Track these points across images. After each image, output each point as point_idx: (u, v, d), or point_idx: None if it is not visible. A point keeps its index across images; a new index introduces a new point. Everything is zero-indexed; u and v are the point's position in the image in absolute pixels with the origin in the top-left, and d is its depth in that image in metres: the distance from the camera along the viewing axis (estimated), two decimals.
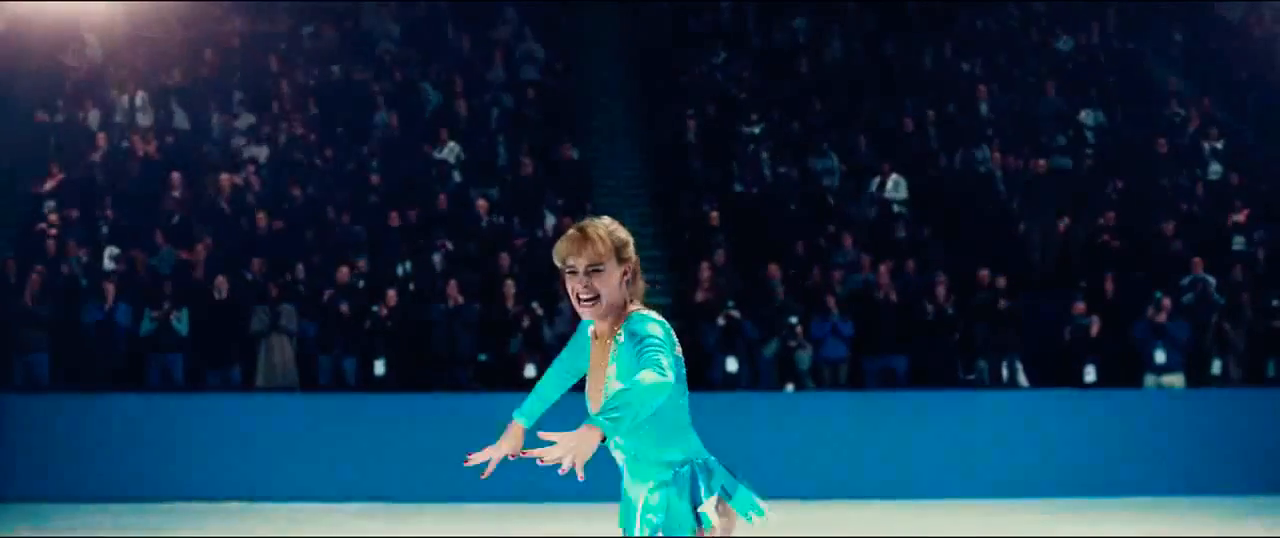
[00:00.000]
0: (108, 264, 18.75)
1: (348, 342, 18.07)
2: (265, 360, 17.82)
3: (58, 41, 22.66)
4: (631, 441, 5.05)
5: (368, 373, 17.94)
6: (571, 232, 5.10)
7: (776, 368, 18.26)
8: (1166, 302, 18.28)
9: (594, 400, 5.11)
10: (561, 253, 5.07)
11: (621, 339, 5.02)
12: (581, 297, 5.03)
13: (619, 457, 5.12)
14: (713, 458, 5.11)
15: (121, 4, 22.53)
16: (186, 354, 17.96)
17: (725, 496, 5.02)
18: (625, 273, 5.06)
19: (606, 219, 5.14)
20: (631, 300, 5.10)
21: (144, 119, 21.57)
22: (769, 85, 23.33)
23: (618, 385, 4.93)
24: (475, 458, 5.28)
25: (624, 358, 4.99)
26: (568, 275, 5.05)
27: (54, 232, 19.04)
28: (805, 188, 21.08)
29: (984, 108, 22.83)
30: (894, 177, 20.98)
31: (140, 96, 21.84)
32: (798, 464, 16.92)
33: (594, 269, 5.02)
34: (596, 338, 5.20)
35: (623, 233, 5.15)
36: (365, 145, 21.38)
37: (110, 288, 17.97)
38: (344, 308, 18.01)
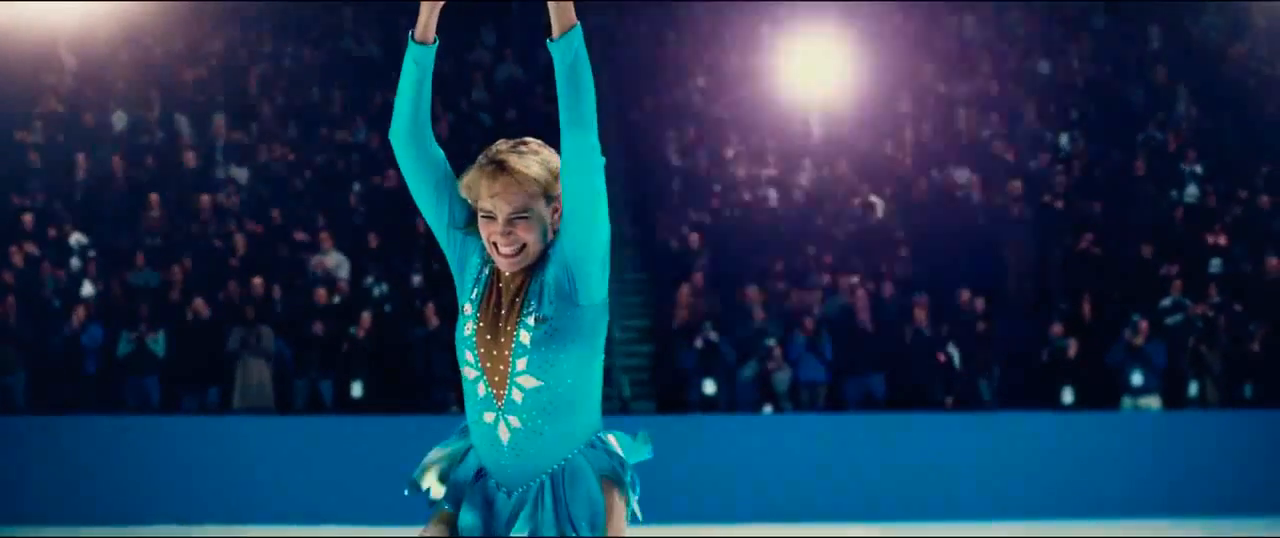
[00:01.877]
0: (85, 285, 18.69)
1: (325, 364, 18.03)
2: (242, 382, 17.77)
3: (36, 61, 22.59)
4: (533, 410, 4.02)
5: (345, 395, 17.90)
6: (488, 164, 4.09)
7: (755, 390, 18.26)
8: (1144, 324, 18.32)
9: (490, 355, 4.06)
10: (476, 191, 4.10)
11: (546, 275, 4.05)
12: (500, 247, 4.05)
13: (504, 433, 4.05)
14: (617, 435, 4.16)
15: (100, 24, 22.48)
16: (163, 376, 17.90)
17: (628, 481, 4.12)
18: (556, 212, 4.08)
19: (535, 143, 4.15)
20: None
21: (123, 139, 21.51)
22: (748, 107, 23.34)
23: (534, 320, 4.02)
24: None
25: (551, 290, 4.03)
26: (482, 218, 4.07)
27: (31, 251, 18.97)
28: (785, 209, 21.09)
29: (962, 130, 22.88)
30: (873, 198, 21.01)
31: (119, 116, 21.79)
32: (776, 486, 16.90)
33: (520, 216, 4.05)
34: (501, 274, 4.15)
35: (556, 160, 4.08)
36: (345, 166, 21.35)
37: (80, 309, 17.92)
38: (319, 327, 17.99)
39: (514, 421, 4.04)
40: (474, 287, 4.17)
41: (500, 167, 4.06)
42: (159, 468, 16.76)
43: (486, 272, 4.17)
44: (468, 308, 4.16)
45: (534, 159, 4.08)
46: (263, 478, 16.76)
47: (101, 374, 18.00)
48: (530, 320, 4.03)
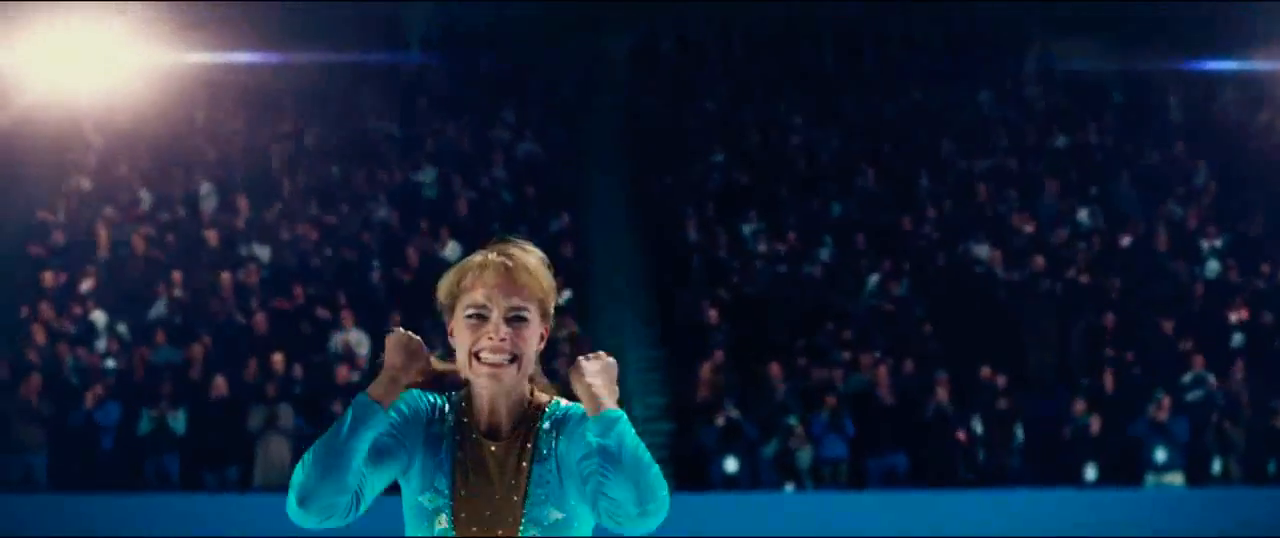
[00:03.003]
0: (107, 362, 18.74)
1: None
2: (262, 460, 17.77)
3: (62, 140, 22.75)
4: None
5: None
6: (486, 257, 3.39)
7: (776, 467, 18.20)
8: (1166, 400, 18.26)
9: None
10: (464, 284, 3.36)
11: (558, 448, 3.31)
12: (486, 355, 3.30)
13: None
14: None
15: (125, 104, 22.63)
16: (183, 454, 17.90)
17: None
18: (544, 337, 3.42)
19: (529, 246, 3.50)
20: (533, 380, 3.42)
21: (146, 217, 21.61)
22: (767, 183, 23.40)
23: (551, 520, 3.28)
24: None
25: (567, 477, 3.27)
26: (467, 321, 3.34)
27: (54, 328, 19.03)
28: (804, 286, 21.09)
29: (982, 205, 22.88)
30: (893, 274, 21.00)
31: (143, 195, 21.91)
32: None
33: (517, 317, 3.32)
34: (481, 435, 3.36)
35: (550, 276, 3.45)
36: (366, 244, 21.41)
37: (99, 386, 17.96)
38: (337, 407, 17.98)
39: None
40: (435, 474, 3.35)
41: (503, 256, 3.38)
42: None
43: (448, 447, 3.36)
44: (429, 499, 3.35)
45: (536, 258, 3.42)
46: None
47: (122, 452, 18.00)
48: (545, 516, 3.30)
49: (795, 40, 26.48)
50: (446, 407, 3.45)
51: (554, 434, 3.33)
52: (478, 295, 3.32)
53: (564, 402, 3.39)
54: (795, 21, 26.33)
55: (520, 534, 3.28)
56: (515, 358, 3.30)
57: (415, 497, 3.35)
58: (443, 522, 3.30)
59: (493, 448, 3.32)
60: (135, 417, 17.94)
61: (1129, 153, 24.56)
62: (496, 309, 3.31)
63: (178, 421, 17.83)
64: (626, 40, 26.40)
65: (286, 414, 17.83)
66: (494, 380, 3.32)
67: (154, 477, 17.84)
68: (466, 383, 3.44)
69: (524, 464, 3.30)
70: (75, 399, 18.15)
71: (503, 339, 3.28)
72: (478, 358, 3.32)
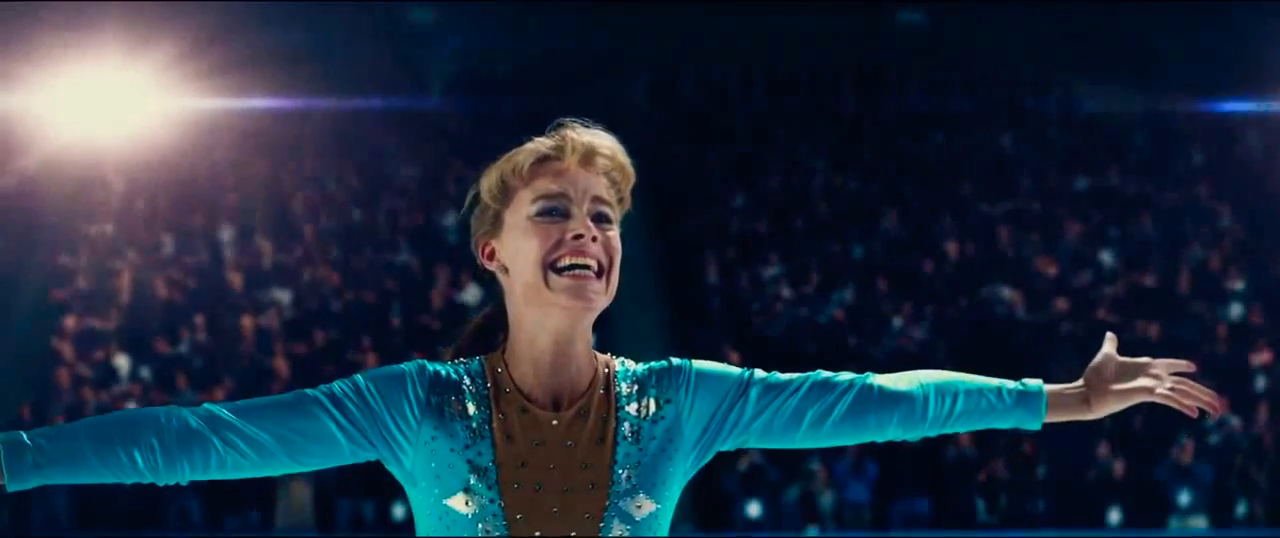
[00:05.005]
0: (129, 406, 18.77)
1: (368, 485, 18.00)
2: (283, 504, 17.76)
3: (84, 185, 22.84)
4: None
5: (386, 517, 17.86)
6: (558, 133, 2.58)
7: (799, 511, 18.14)
8: (1189, 443, 18.18)
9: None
10: (542, 169, 2.50)
11: (625, 393, 2.50)
12: (569, 260, 2.44)
13: None
14: None
15: (147, 148, 22.72)
16: (205, 497, 17.90)
17: None
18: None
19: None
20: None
21: (168, 261, 21.67)
22: (788, 226, 23.40)
23: (639, 510, 2.40)
24: None
25: (670, 456, 2.43)
26: (536, 220, 2.47)
27: (76, 372, 19.08)
28: (824, 329, 21.06)
29: (1004, 247, 22.84)
30: (914, 316, 20.96)
31: (165, 239, 21.98)
32: None
33: (603, 216, 2.49)
34: (534, 405, 2.47)
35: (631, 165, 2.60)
36: (388, 288, 21.44)
37: None
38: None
39: None
40: (468, 467, 2.41)
41: (578, 133, 2.55)
42: None
43: (485, 426, 2.42)
44: (463, 501, 2.41)
45: (614, 140, 2.58)
46: None
47: (144, 495, 17.99)
48: (633, 510, 2.41)
49: (816, 83, 26.53)
50: (466, 377, 2.56)
51: (639, 398, 2.52)
52: (550, 183, 2.45)
53: (629, 362, 2.64)
54: (816, 64, 26.38)
55: (601, 536, 2.39)
56: (603, 272, 2.44)
57: (439, 503, 2.43)
58: (488, 528, 2.39)
59: (553, 422, 2.44)
60: None
61: (1151, 195, 24.51)
62: (581, 199, 2.45)
63: None
64: (647, 83, 26.47)
65: None
66: (577, 298, 2.46)
67: (176, 520, 17.83)
68: (498, 338, 2.59)
69: (605, 442, 2.43)
70: None
71: (593, 238, 2.41)
72: (554, 269, 2.43)
